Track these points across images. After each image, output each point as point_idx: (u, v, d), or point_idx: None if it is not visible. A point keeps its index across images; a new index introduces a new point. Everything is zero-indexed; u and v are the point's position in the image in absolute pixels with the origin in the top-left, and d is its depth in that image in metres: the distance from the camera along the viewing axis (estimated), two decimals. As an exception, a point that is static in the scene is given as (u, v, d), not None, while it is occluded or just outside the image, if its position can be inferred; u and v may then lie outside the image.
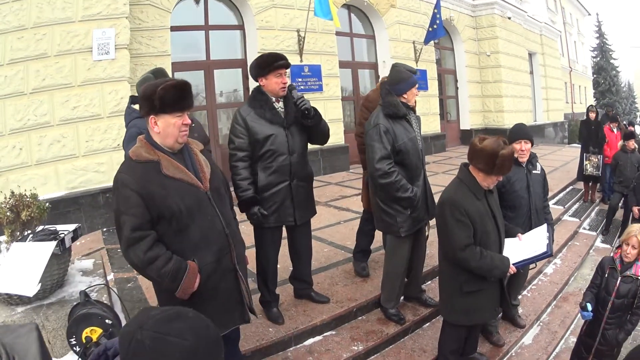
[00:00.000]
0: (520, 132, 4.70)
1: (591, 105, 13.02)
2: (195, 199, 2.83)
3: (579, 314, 5.66)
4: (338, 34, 13.20)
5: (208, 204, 2.90)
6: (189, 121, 2.80)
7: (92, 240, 7.17)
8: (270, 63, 4.19)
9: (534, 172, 4.77)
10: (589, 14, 43.55)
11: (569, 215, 9.90)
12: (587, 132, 11.12)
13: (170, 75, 9.45)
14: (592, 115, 11.17)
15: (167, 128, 2.73)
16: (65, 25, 7.64)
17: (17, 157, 7.43)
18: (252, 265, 4.51)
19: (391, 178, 4.35)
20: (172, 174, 2.75)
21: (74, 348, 2.29)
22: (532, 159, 4.78)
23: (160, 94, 2.65)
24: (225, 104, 11.54)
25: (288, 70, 4.40)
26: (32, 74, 7.41)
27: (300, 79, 11.91)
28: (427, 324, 5.12)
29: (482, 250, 3.53)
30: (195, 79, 10.90)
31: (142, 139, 2.82)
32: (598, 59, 48.48)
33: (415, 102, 4.69)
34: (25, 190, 3.62)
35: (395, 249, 4.72)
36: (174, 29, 10.03)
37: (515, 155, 4.48)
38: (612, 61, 49.05)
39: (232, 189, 4.02)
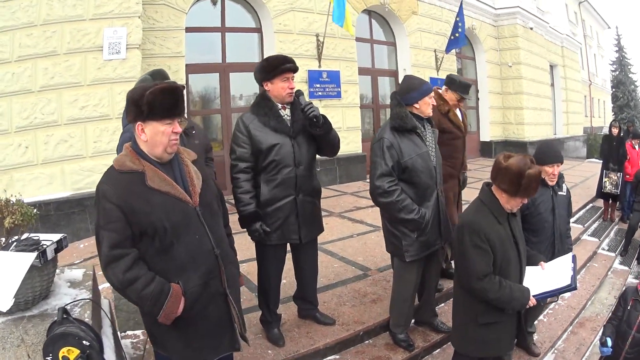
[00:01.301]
0: (553, 155, 4.37)
1: (614, 120, 12.82)
2: (182, 215, 2.58)
3: (595, 342, 5.57)
4: (358, 39, 12.90)
5: (197, 221, 2.64)
6: (180, 129, 2.58)
7: (94, 244, 6.80)
8: (277, 66, 3.91)
9: (559, 193, 4.51)
10: (609, 27, 43.49)
11: (588, 235, 9.57)
12: (608, 148, 10.76)
13: (184, 77, 9.52)
14: (615, 131, 10.76)
15: (155, 136, 2.51)
16: (75, 23, 7.55)
17: (23, 155, 7.35)
18: (254, 279, 4.41)
19: (392, 197, 4.01)
20: (157, 187, 2.52)
21: None
22: (559, 179, 4.50)
23: (149, 99, 2.44)
24: (242, 108, 11.22)
25: (296, 75, 4.10)
26: (40, 72, 7.33)
27: (318, 85, 11.70)
28: (437, 350, 4.82)
29: (501, 280, 3.26)
30: (211, 82, 10.88)
31: (128, 146, 2.60)
32: (617, 72, 48.09)
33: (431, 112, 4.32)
34: (12, 195, 3.35)
35: (402, 274, 4.39)
36: (189, 30, 9.93)
37: (544, 177, 4.17)
38: (630, 75, 48.67)
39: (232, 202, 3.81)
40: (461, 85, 5.14)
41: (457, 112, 5.20)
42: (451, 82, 5.19)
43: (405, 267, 4.30)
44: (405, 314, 4.48)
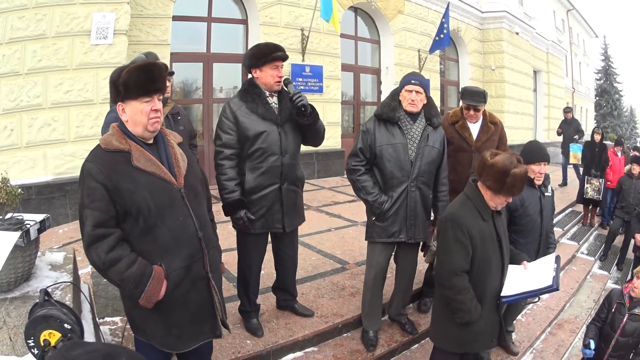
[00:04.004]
0: (540, 154, 4.42)
1: (597, 127, 13.13)
2: (166, 196, 2.62)
3: (574, 344, 5.73)
4: (343, 36, 13.15)
5: (181, 203, 2.68)
6: (160, 106, 2.61)
7: (73, 229, 7.00)
8: (267, 54, 3.92)
9: (546, 194, 4.58)
10: (597, 36, 44.05)
11: (567, 238, 9.87)
12: (590, 155, 11.07)
13: (168, 65, 9.38)
14: (597, 137, 11.09)
15: (134, 115, 2.55)
16: (66, 7, 7.59)
17: (8, 138, 7.39)
18: (234, 269, 4.41)
19: (353, 175, 4.27)
20: (143, 167, 2.55)
21: (32, 350, 2.19)
22: (545, 180, 4.57)
23: (124, 78, 2.49)
24: (223, 99, 11.27)
25: (285, 64, 4.16)
26: (29, 54, 7.37)
27: (300, 79, 11.91)
28: (415, 346, 4.94)
29: (470, 289, 3.31)
30: (194, 72, 10.96)
31: (115, 126, 2.64)
32: (602, 81, 48.83)
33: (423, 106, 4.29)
34: (-1, 174, 3.46)
35: (368, 255, 4.55)
36: (176, 18, 10.00)
37: (531, 176, 4.29)
38: (615, 85, 49.40)
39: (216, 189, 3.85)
40: (465, 92, 5.01)
41: (472, 125, 5.00)
42: (461, 92, 5.10)
43: (370, 249, 4.50)
44: (367, 300, 4.57)
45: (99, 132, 7.73)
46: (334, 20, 10.65)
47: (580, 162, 12.35)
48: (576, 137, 13.08)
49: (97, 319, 3.83)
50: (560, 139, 13.75)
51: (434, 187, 4.46)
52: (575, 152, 12.60)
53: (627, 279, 4.73)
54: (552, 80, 25.01)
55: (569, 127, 13.22)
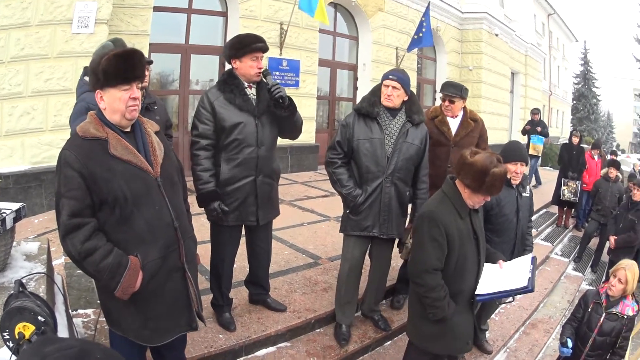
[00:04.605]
0: (518, 153, 4.46)
1: (575, 129, 13.24)
2: (142, 184, 2.61)
3: (548, 344, 5.80)
4: (321, 31, 13.28)
5: (157, 192, 2.67)
6: (138, 94, 2.59)
7: (49, 220, 7.02)
8: (247, 44, 3.91)
9: (524, 194, 4.63)
10: (577, 41, 44.61)
11: (542, 239, 10.02)
12: (567, 157, 11.22)
13: (147, 56, 8.93)
14: (575, 140, 11.25)
15: (113, 103, 2.53)
16: None
17: None
18: (206, 262, 4.35)
19: (330, 167, 4.34)
20: (119, 155, 2.54)
21: (8, 343, 2.13)
22: (523, 180, 4.61)
23: (104, 66, 2.46)
24: (199, 91, 11.26)
25: (265, 58, 4.18)
26: (13, 42, 7.35)
27: (277, 73, 11.97)
28: (388, 342, 4.98)
29: (444, 286, 3.29)
30: (172, 63, 10.98)
31: (93, 114, 2.61)
32: (580, 85, 49.63)
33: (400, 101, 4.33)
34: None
35: (343, 249, 4.58)
36: (156, 9, 9.98)
37: (509, 176, 4.32)
38: (594, 89, 50.25)
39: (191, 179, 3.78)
40: (444, 84, 5.09)
41: (451, 120, 5.06)
42: (442, 85, 5.15)
43: (344, 243, 4.55)
44: (341, 293, 4.60)
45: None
46: (321, 13, 10.69)
47: (539, 154, 12.59)
48: (538, 128, 13.07)
49: (70, 311, 3.79)
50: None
51: (413, 184, 4.49)
52: (536, 144, 12.68)
53: (603, 280, 4.86)
54: (529, 83, 25.42)
55: (534, 129, 13.34)
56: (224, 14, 11.72)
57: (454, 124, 5.07)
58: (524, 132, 13.64)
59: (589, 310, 4.56)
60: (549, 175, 14.27)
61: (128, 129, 2.67)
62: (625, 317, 4.39)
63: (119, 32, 8.88)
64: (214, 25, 11.73)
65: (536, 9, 29.63)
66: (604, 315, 4.44)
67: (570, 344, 4.43)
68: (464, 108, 5.13)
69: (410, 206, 4.68)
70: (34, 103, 7.64)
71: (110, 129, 2.56)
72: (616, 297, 4.45)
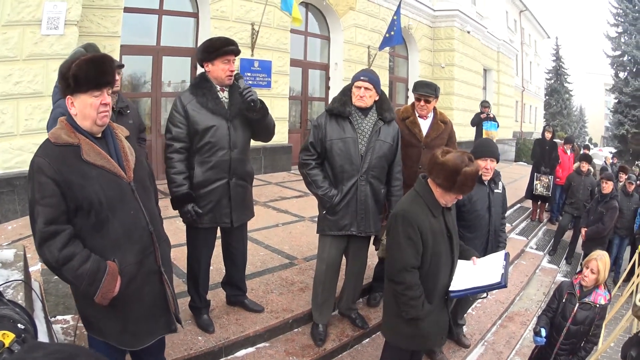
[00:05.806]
0: (487, 150, 4.56)
1: (547, 124, 13.20)
2: (117, 189, 2.64)
3: (525, 336, 5.91)
4: (293, 31, 13.31)
5: (131, 197, 2.71)
6: (109, 100, 2.61)
7: (22, 226, 6.95)
8: (219, 47, 3.98)
9: (496, 191, 4.70)
10: (549, 37, 45.60)
11: (516, 234, 10.22)
12: (540, 152, 11.34)
13: (118, 58, 9.04)
14: (548, 135, 11.35)
15: (84, 109, 2.54)
16: None
17: None
18: (182, 265, 4.46)
19: (303, 169, 4.36)
20: (92, 160, 2.56)
21: None
22: (495, 177, 4.70)
23: (74, 71, 2.47)
24: (171, 93, 11.34)
25: (237, 59, 4.12)
26: None
27: (249, 74, 12.00)
28: (366, 340, 5.06)
29: (420, 286, 3.33)
30: (143, 65, 10.88)
31: (63, 120, 2.62)
32: (552, 81, 50.46)
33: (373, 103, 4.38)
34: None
35: (319, 249, 4.63)
36: (127, 10, 9.86)
37: (479, 172, 4.28)
38: (566, 84, 51.10)
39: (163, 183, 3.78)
40: (417, 84, 5.12)
41: (422, 122, 5.10)
42: (414, 85, 5.18)
43: (320, 243, 4.59)
44: (318, 294, 4.64)
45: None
46: (294, 14, 10.81)
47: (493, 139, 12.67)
48: (491, 114, 13.16)
49: (49, 317, 3.73)
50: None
51: (387, 181, 4.54)
52: (489, 130, 12.63)
53: (577, 271, 5.03)
54: (502, 79, 25.76)
55: (483, 118, 13.04)
56: (195, 15, 11.64)
57: (424, 125, 5.13)
58: (474, 123, 13.38)
59: (563, 300, 4.67)
60: (523, 170, 14.44)
61: (99, 135, 2.68)
62: (597, 306, 4.52)
63: (89, 34, 8.82)
64: (185, 27, 11.63)
65: (508, 6, 30.11)
66: (577, 305, 4.56)
67: (544, 332, 4.53)
68: (434, 109, 5.19)
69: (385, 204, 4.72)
70: (3, 107, 7.45)
71: (81, 134, 2.58)
72: (589, 287, 4.57)
